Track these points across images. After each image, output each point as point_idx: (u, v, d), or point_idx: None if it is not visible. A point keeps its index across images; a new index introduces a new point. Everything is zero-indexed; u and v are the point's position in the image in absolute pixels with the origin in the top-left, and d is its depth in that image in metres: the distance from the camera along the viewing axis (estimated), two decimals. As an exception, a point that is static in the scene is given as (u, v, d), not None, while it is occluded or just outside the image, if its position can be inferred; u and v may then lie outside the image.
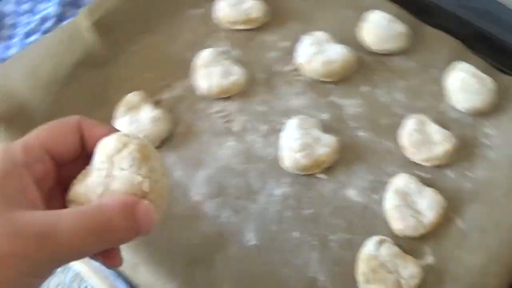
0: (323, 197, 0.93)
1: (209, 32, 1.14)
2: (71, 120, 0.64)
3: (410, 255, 0.86)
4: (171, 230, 0.88)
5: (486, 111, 1.03)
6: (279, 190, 0.93)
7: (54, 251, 0.52)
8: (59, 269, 0.94)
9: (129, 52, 1.10)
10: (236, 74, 1.04)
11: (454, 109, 1.04)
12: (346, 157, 0.97)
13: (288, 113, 1.01)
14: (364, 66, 1.09)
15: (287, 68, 1.08)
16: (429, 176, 0.96)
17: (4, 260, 0.50)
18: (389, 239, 0.86)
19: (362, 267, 0.84)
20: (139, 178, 0.59)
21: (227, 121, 1.01)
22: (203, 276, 0.84)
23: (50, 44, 1.05)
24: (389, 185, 0.93)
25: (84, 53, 1.05)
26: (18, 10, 1.26)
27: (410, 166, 0.97)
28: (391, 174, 0.95)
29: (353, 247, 0.87)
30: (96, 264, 0.86)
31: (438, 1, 1.17)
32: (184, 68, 1.07)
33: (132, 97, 1.00)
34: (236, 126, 1.00)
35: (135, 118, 0.98)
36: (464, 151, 0.99)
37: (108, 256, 0.62)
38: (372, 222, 0.91)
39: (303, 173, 0.94)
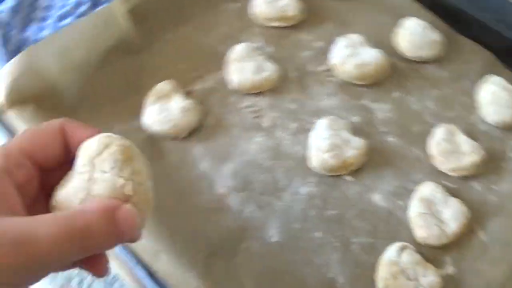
0: (348, 199, 0.92)
1: (244, 27, 1.14)
2: (54, 124, 0.62)
3: (431, 263, 0.85)
4: (194, 220, 0.89)
5: (516, 125, 1.03)
6: (305, 189, 0.93)
7: (31, 258, 0.50)
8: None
9: (163, 41, 1.10)
10: (269, 71, 1.04)
11: (484, 121, 1.04)
12: (374, 161, 0.97)
13: (319, 113, 1.01)
14: (397, 72, 1.09)
15: (320, 68, 1.08)
16: (455, 186, 0.95)
17: None
18: (411, 246, 0.86)
19: (382, 272, 0.84)
20: (121, 181, 0.57)
21: (257, 117, 1.01)
22: (223, 268, 0.84)
23: (84, 28, 1.05)
24: (415, 193, 0.92)
25: (118, 39, 1.06)
26: (53, -8, 1.27)
27: (437, 175, 0.96)
28: (418, 182, 0.94)
29: (375, 252, 0.87)
30: (116, 248, 0.87)
31: (474, 13, 1.17)
32: (217, 61, 1.07)
33: (163, 86, 1.01)
34: (265, 122, 1.00)
35: (165, 107, 0.98)
36: (492, 164, 0.98)
37: (93, 264, 0.60)
38: (395, 228, 0.90)
39: (329, 174, 0.94)
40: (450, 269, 0.86)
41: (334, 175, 0.94)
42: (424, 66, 1.11)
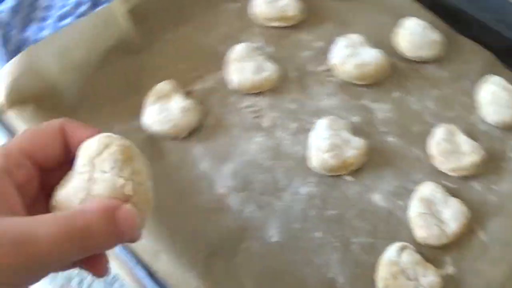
0: (348, 199, 0.92)
1: (244, 27, 1.14)
2: (54, 124, 0.62)
3: (431, 263, 0.85)
4: (194, 220, 0.89)
5: (516, 125, 1.03)
6: (305, 189, 0.93)
7: (31, 257, 0.50)
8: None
9: (163, 41, 1.10)
10: (269, 71, 1.04)
11: (484, 121, 1.04)
12: (374, 161, 0.97)
13: (319, 113, 1.01)
14: (397, 72, 1.09)
15: (320, 68, 1.08)
16: (455, 186, 0.95)
17: None
18: (411, 246, 0.86)
19: (382, 272, 0.84)
20: (121, 181, 0.56)
21: (257, 117, 1.01)
22: (223, 268, 0.84)
23: (84, 28, 1.05)
24: (415, 193, 0.92)
25: (118, 39, 1.06)
26: (53, -8, 1.27)
27: (437, 175, 0.96)
28: (418, 182, 0.94)
29: (375, 252, 0.87)
30: (116, 248, 0.87)
31: (474, 13, 1.17)
32: (217, 61, 1.07)
33: (163, 86, 1.01)
34: (265, 122, 1.00)
35: (165, 107, 0.98)
36: (492, 164, 0.98)
37: (93, 264, 0.60)
38: (395, 228, 0.90)
39: (329, 174, 0.94)
40: (450, 269, 0.86)
41: (334, 175, 0.94)
42: (424, 66, 1.11)
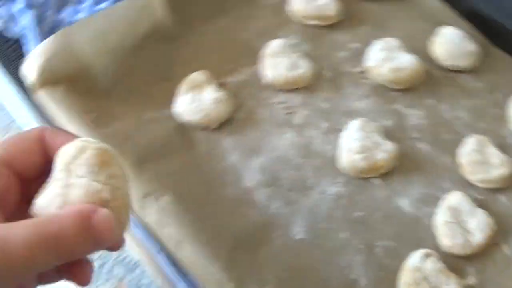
0: (375, 202, 0.92)
1: (281, 23, 1.14)
2: (33, 132, 0.60)
3: (454, 273, 0.85)
4: (220, 212, 0.89)
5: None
6: (333, 188, 0.93)
7: (4, 264, 0.48)
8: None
9: (198, 32, 1.10)
10: (303, 68, 1.04)
11: (514, 135, 1.03)
12: (403, 166, 0.96)
13: (351, 114, 1.01)
14: (431, 79, 1.08)
15: (355, 69, 1.08)
16: (482, 197, 0.94)
17: None
18: (435, 254, 0.85)
19: (405, 277, 0.83)
20: (98, 185, 0.55)
21: (289, 113, 1.01)
22: (246, 262, 0.84)
23: (120, 12, 1.05)
24: (442, 201, 0.92)
25: (154, 26, 1.06)
26: (91, -25, 1.27)
27: (465, 185, 0.95)
28: (446, 190, 0.94)
29: (399, 256, 0.86)
30: (139, 235, 0.87)
31: (510, 26, 1.16)
32: (252, 55, 1.07)
33: (196, 76, 1.01)
34: (297, 119, 1.00)
35: (197, 97, 0.98)
36: (520, 178, 0.97)
37: (75, 273, 0.58)
38: (420, 234, 0.90)
39: (358, 176, 0.94)
40: (472, 280, 0.86)
41: (363, 177, 0.94)
42: (459, 76, 1.10)
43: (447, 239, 0.87)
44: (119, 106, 0.98)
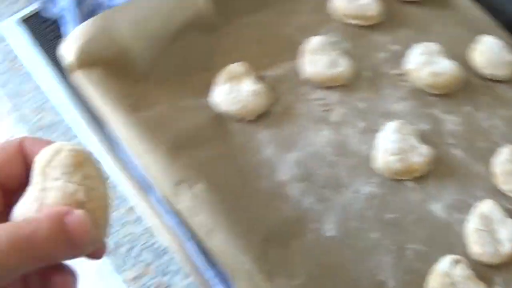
0: (408, 205, 0.92)
1: (322, 20, 1.14)
2: (13, 142, 0.59)
3: (482, 281, 0.84)
4: (253, 204, 0.89)
5: None
6: (366, 188, 0.93)
7: None
8: (131, 219, 0.94)
9: (240, 24, 1.10)
10: (343, 66, 1.04)
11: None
12: (438, 170, 0.96)
13: (388, 115, 1.01)
14: (470, 87, 1.08)
15: (394, 71, 1.08)
16: (514, 208, 0.94)
17: None
18: (465, 261, 0.85)
19: (434, 282, 0.83)
20: (73, 186, 0.54)
21: (326, 110, 1.01)
22: (277, 255, 0.84)
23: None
24: (474, 208, 0.91)
25: (195, 15, 1.06)
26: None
27: (497, 194, 0.95)
28: (478, 198, 0.93)
29: (428, 260, 0.86)
30: (169, 221, 0.87)
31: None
32: (291, 50, 1.07)
33: (236, 67, 1.01)
34: (334, 117, 1.00)
35: (236, 88, 0.98)
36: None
37: (56, 283, 0.56)
38: (451, 240, 0.89)
39: (393, 177, 0.94)
40: (499, 289, 0.85)
41: (397, 179, 0.94)
42: (497, 85, 1.10)
43: (477, 246, 0.87)
44: (156, 92, 0.99)
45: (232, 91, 0.97)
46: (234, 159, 0.93)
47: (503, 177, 0.95)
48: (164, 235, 0.90)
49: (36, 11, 1.17)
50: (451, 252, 0.87)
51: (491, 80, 1.10)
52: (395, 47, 1.11)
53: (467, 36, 1.15)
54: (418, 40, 1.10)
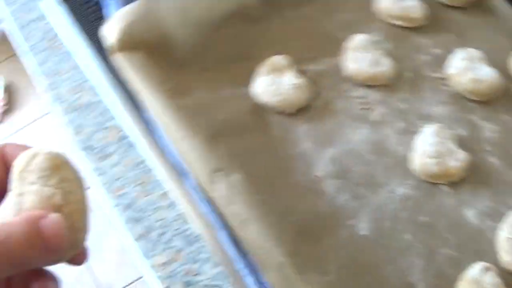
0: (442, 209, 0.92)
1: (366, 19, 1.14)
2: None
3: (511, 290, 0.85)
4: (288, 197, 0.89)
5: None
6: (401, 189, 0.93)
7: None
8: (164, 204, 0.94)
9: (284, 17, 1.11)
10: (385, 66, 1.04)
11: None
12: (473, 177, 0.96)
13: (427, 118, 1.01)
14: (509, 96, 1.07)
15: (435, 74, 1.08)
16: (546, 220, 0.94)
17: None
18: (495, 269, 0.85)
19: (463, 288, 0.83)
20: (49, 190, 0.54)
21: (366, 109, 1.01)
22: (309, 250, 0.84)
23: (208, -13, 1.06)
24: (507, 217, 0.91)
25: (240, 5, 1.07)
26: None
27: (530, 205, 0.95)
28: (511, 207, 0.93)
29: (458, 266, 0.86)
30: (203, 208, 0.87)
31: None
32: (334, 46, 1.07)
33: (278, 59, 1.01)
34: (373, 116, 1.00)
35: (277, 80, 0.99)
36: None
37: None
38: (482, 247, 0.89)
39: (429, 180, 0.94)
40: (526, 301, 0.85)
41: (433, 182, 0.94)
42: (537, 96, 1.09)
43: (507, 255, 0.87)
44: (196, 79, 0.99)
45: (274, 83, 0.98)
46: (272, 151, 0.94)
47: (537, 189, 0.95)
48: (197, 223, 0.90)
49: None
50: (481, 259, 0.86)
51: (530, 90, 1.09)
52: (437, 51, 1.11)
53: (509, 45, 1.14)
54: (460, 45, 1.10)
